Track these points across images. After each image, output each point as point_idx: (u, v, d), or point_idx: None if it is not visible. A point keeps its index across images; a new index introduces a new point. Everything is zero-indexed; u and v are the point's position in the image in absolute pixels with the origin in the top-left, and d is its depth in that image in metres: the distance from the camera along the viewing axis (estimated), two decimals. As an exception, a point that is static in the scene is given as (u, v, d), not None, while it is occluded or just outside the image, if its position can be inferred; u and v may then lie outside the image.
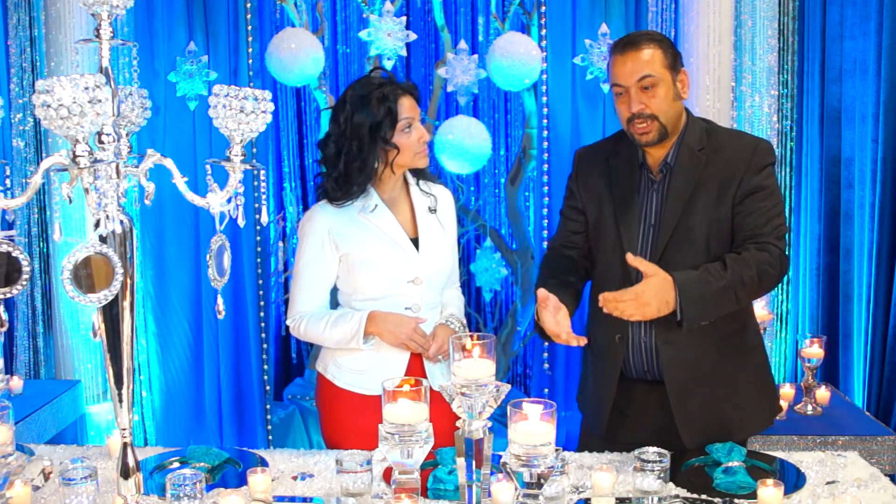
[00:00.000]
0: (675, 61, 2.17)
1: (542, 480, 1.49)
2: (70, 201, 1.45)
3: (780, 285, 3.70)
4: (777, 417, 2.97)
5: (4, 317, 1.63)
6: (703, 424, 2.18)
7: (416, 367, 2.35)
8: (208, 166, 1.61)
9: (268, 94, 1.59)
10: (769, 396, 2.34)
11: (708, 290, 2.04)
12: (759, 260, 2.09)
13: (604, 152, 2.34)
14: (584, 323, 2.42)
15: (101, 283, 1.50)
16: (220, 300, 1.63)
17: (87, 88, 1.38)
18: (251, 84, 3.41)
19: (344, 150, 2.27)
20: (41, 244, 3.58)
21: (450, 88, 3.60)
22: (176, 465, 2.05)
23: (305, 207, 4.16)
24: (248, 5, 3.42)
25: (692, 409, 2.18)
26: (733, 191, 2.14)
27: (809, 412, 3.09)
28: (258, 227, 3.50)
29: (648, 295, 2.01)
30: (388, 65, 3.50)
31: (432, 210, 2.41)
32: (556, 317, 2.09)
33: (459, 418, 1.58)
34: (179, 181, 1.58)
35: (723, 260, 2.09)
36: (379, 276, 2.32)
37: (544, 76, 3.44)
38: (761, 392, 2.30)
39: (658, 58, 2.13)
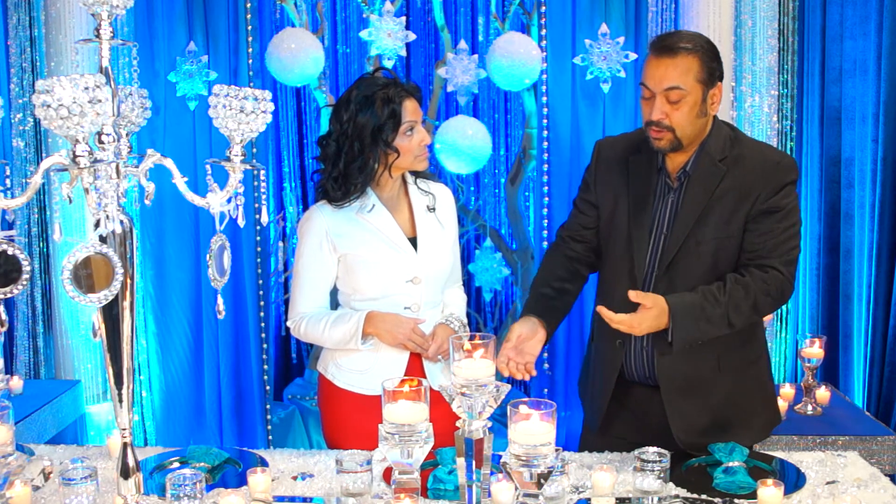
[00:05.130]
0: (711, 75, 2.04)
1: (542, 480, 1.49)
2: (70, 201, 1.45)
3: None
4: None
5: (4, 317, 1.63)
6: (699, 429, 2.16)
7: (415, 367, 2.34)
8: (208, 166, 1.61)
9: (268, 94, 1.59)
10: (768, 407, 2.31)
11: (702, 317, 2.03)
12: (759, 288, 2.05)
13: (625, 149, 2.25)
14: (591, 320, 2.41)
15: (101, 283, 1.51)
16: (220, 300, 1.63)
17: (87, 88, 1.38)
18: (251, 84, 3.41)
19: (344, 149, 2.26)
20: (41, 244, 3.57)
21: (450, 88, 3.60)
22: (176, 465, 2.05)
23: (305, 207, 4.16)
24: (248, 5, 3.42)
25: (687, 415, 2.17)
26: (748, 207, 2.07)
27: (809, 412, 3.09)
28: (258, 227, 3.50)
29: (644, 326, 2.02)
30: (389, 65, 3.49)
31: (431, 209, 2.40)
32: (518, 347, 2.12)
33: (459, 418, 1.58)
34: (179, 181, 1.58)
35: (724, 282, 2.06)
36: (377, 276, 2.31)
37: (544, 76, 3.44)
38: (759, 403, 2.27)
39: (693, 70, 2.01)
